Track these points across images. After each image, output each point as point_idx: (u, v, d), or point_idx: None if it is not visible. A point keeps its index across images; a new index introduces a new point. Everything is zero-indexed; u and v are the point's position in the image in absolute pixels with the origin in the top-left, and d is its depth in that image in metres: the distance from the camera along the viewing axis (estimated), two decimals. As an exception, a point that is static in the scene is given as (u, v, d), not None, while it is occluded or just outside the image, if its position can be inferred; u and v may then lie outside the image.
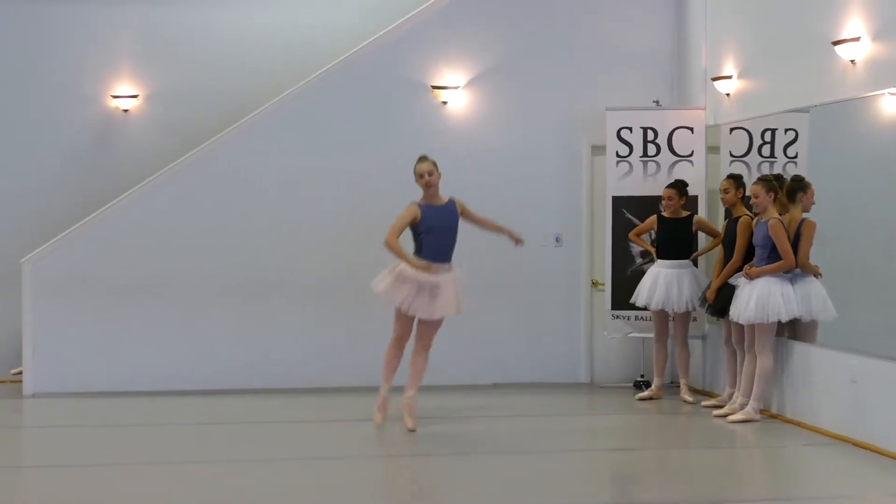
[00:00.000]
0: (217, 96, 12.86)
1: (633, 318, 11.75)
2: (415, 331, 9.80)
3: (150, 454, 8.92)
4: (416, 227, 9.62)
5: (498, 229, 10.05)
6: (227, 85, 12.90)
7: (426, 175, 9.65)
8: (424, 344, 9.79)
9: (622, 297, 11.67)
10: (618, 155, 11.85)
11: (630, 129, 11.83)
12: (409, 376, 9.76)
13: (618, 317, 11.84)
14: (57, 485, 7.90)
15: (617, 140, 11.84)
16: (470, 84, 12.30)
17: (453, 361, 11.92)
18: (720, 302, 10.44)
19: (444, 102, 12.24)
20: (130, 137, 12.91)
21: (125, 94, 12.83)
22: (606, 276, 11.95)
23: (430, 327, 9.74)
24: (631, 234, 11.58)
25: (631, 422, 10.71)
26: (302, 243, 12.02)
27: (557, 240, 12.33)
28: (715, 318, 10.93)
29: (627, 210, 11.84)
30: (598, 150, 12.14)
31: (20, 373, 11.78)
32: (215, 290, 11.92)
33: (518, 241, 10.06)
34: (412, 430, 9.54)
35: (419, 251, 9.62)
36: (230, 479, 8.03)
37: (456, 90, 12.24)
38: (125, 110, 12.85)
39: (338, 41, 12.62)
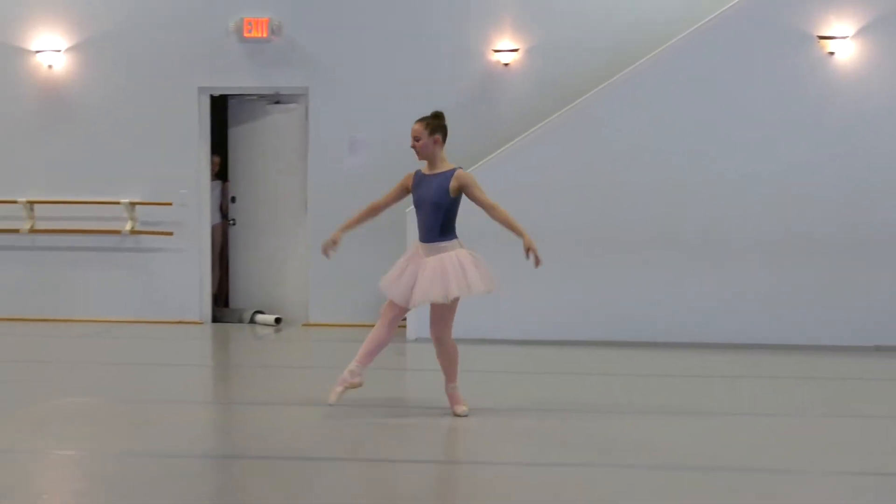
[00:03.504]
0: (594, 50, 12.87)
1: None
2: None
3: (519, 400, 9.06)
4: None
5: (514, 229, 8.12)
6: (604, 38, 12.89)
7: (412, 140, 8.24)
8: (434, 335, 8.25)
9: None
10: None
11: None
12: None
13: None
14: (433, 429, 8.16)
15: None
16: (860, 33, 11.73)
17: (831, 321, 11.58)
18: None
19: (831, 53, 11.73)
20: (509, 91, 13.15)
21: (505, 48, 13.07)
22: None
23: (432, 315, 8.21)
24: None
25: None
26: (688, 199, 11.94)
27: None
28: None
29: None
30: None
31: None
32: (588, 243, 12.04)
33: (532, 254, 8.03)
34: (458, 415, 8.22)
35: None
36: (636, 432, 8.01)
37: (844, 40, 11.71)
38: (505, 64, 13.09)
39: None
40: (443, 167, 8.23)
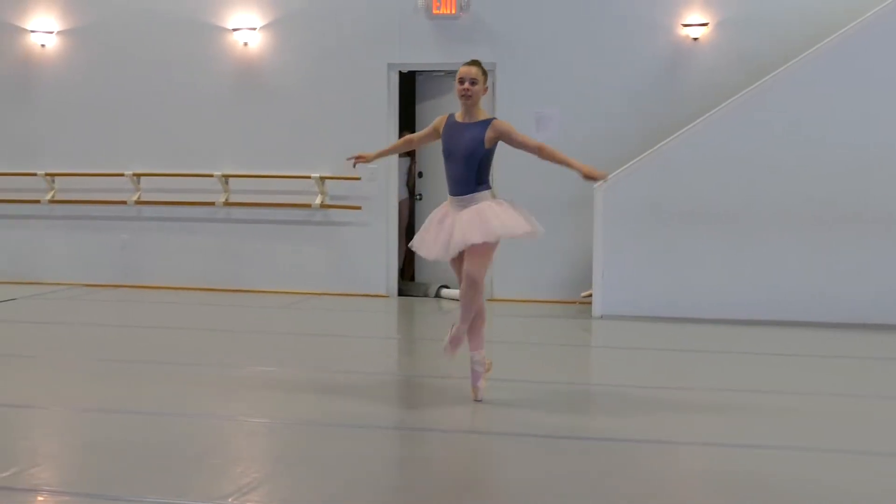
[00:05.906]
0: (788, 24, 12.56)
1: None
2: None
3: (709, 380, 8.95)
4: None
5: (566, 163, 7.58)
6: (799, 11, 12.57)
7: (466, 82, 7.62)
8: (467, 274, 7.71)
9: None
10: None
11: None
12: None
13: None
14: (623, 404, 8.13)
15: None
16: None
17: None
18: None
19: None
20: (698, 66, 12.93)
21: (695, 22, 12.86)
22: None
23: (468, 253, 7.72)
24: None
25: None
26: (868, 174, 11.58)
27: None
28: None
29: None
30: None
31: (590, 295, 12.27)
32: (779, 220, 11.77)
33: (594, 176, 7.51)
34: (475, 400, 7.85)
35: None
36: (805, 413, 7.89)
37: None
38: (695, 38, 12.87)
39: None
40: (480, 116, 7.69)
